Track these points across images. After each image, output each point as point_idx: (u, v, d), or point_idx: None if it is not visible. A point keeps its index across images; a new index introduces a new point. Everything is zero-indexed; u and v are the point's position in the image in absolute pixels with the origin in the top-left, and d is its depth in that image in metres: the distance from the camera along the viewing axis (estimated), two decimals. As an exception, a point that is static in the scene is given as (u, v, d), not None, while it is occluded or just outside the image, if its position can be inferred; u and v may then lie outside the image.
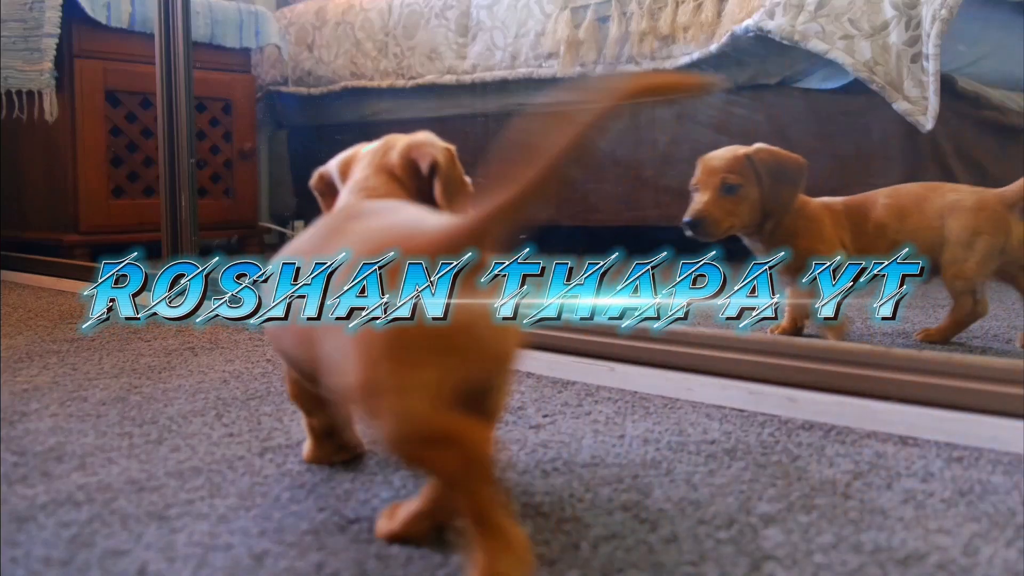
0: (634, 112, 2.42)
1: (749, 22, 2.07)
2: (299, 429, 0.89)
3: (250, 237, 2.90)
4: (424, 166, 0.80)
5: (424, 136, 0.83)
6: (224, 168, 2.81)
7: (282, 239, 3.22)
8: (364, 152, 0.83)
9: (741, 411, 0.96)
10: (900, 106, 1.92)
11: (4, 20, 2.44)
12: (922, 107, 1.90)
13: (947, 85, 1.98)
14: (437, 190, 0.79)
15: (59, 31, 2.44)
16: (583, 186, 2.55)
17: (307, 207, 3.28)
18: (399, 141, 0.83)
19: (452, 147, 0.83)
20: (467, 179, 0.83)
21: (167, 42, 1.73)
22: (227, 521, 0.66)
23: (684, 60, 2.26)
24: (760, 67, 2.21)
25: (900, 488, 0.72)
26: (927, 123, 1.90)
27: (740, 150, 1.34)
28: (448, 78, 2.73)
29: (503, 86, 2.65)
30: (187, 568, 0.58)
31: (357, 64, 2.98)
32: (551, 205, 2.60)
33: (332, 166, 0.85)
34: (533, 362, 1.17)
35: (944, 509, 0.67)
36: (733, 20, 2.15)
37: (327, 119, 3.17)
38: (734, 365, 1.01)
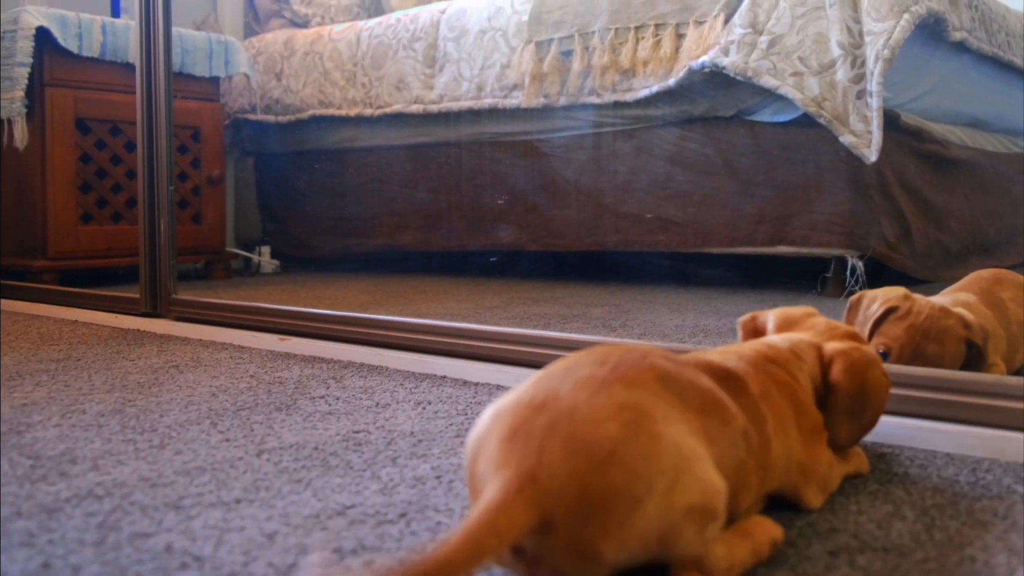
0: (596, 144, 2.52)
1: (705, 58, 2.18)
2: (290, 433, 0.95)
3: (216, 263, 2.94)
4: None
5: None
6: (192, 194, 2.86)
7: (247, 265, 3.26)
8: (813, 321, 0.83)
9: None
10: (846, 139, 2.04)
11: (-23, 48, 2.48)
12: (867, 140, 2.02)
13: (890, 120, 2.10)
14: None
15: (31, 60, 2.48)
16: (547, 212, 2.64)
17: (272, 233, 3.33)
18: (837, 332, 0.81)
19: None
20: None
21: (148, 72, 1.79)
22: (236, 509, 0.72)
23: (643, 93, 2.36)
24: (715, 101, 2.32)
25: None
26: (871, 155, 2.02)
27: None
28: (415, 107, 2.81)
29: (469, 116, 2.73)
30: (208, 544, 0.64)
31: (325, 93, 3.05)
32: (516, 230, 2.68)
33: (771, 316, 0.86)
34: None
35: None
36: (690, 56, 2.26)
37: (294, 146, 3.23)
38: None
